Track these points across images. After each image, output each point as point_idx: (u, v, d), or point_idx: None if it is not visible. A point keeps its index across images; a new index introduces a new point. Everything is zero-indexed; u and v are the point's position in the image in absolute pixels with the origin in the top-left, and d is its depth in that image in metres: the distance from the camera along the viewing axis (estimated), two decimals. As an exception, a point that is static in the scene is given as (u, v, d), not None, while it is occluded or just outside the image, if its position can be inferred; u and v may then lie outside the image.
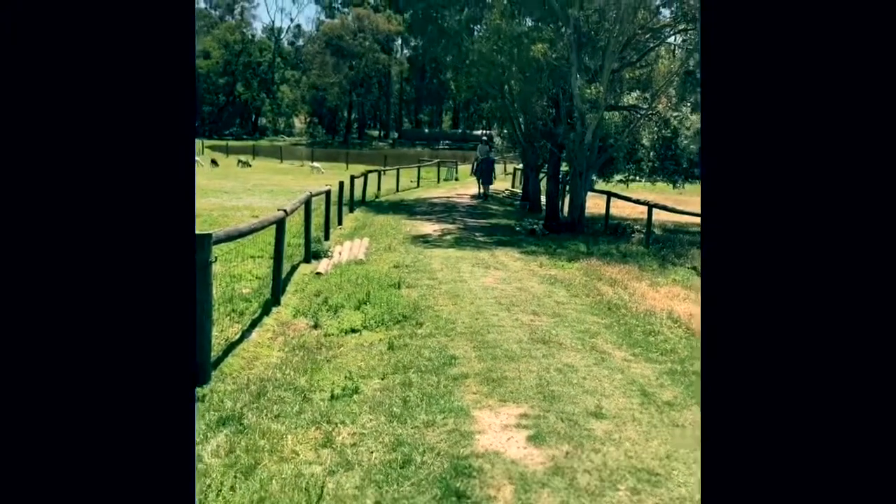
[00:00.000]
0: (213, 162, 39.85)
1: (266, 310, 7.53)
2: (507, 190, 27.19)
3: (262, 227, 7.39)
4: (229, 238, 6.16)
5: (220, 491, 3.60)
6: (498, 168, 28.42)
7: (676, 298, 8.77)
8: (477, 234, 14.92)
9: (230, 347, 6.12)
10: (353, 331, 6.77)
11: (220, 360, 5.73)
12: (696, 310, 8.12)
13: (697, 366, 5.99)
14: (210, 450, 4.12)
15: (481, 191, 24.21)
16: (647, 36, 16.98)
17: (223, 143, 58.91)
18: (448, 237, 14.07)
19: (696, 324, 7.42)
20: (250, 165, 38.44)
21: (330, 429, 4.46)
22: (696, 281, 10.36)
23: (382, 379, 5.40)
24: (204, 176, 30.22)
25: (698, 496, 3.64)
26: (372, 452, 4.10)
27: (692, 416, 4.80)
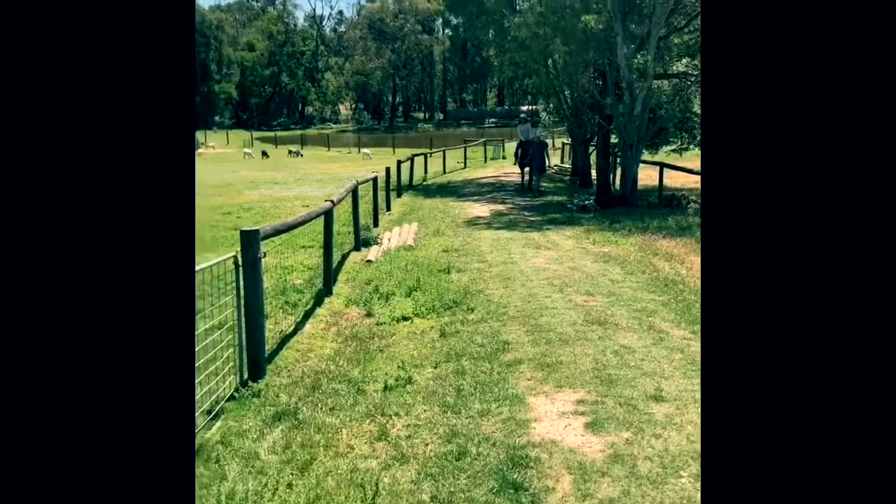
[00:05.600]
0: (264, 153, 40.42)
1: (319, 300, 7.56)
2: (556, 166, 26.80)
3: (310, 220, 7.39)
4: (277, 233, 6.18)
5: (277, 489, 3.60)
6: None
7: (736, 271, 8.49)
8: (526, 212, 14.74)
9: (284, 340, 6.15)
10: (405, 318, 6.73)
11: (274, 353, 5.76)
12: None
13: (761, 341, 5.78)
14: (266, 446, 4.13)
15: (529, 181, 18.86)
16: (695, -1, 16.43)
17: (272, 134, 59.75)
18: (497, 218, 13.94)
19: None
20: (301, 155, 38.85)
21: (384, 421, 4.43)
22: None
23: (435, 367, 5.35)
24: (255, 168, 30.63)
25: (767, 482, 3.49)
26: (427, 444, 4.06)
27: (757, 395, 4.62)
